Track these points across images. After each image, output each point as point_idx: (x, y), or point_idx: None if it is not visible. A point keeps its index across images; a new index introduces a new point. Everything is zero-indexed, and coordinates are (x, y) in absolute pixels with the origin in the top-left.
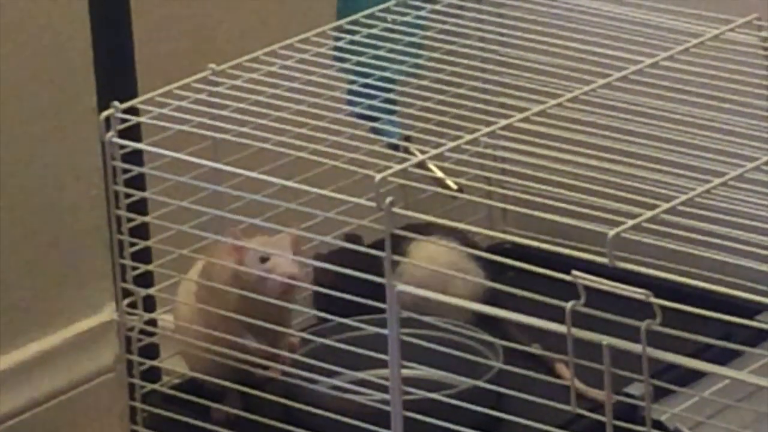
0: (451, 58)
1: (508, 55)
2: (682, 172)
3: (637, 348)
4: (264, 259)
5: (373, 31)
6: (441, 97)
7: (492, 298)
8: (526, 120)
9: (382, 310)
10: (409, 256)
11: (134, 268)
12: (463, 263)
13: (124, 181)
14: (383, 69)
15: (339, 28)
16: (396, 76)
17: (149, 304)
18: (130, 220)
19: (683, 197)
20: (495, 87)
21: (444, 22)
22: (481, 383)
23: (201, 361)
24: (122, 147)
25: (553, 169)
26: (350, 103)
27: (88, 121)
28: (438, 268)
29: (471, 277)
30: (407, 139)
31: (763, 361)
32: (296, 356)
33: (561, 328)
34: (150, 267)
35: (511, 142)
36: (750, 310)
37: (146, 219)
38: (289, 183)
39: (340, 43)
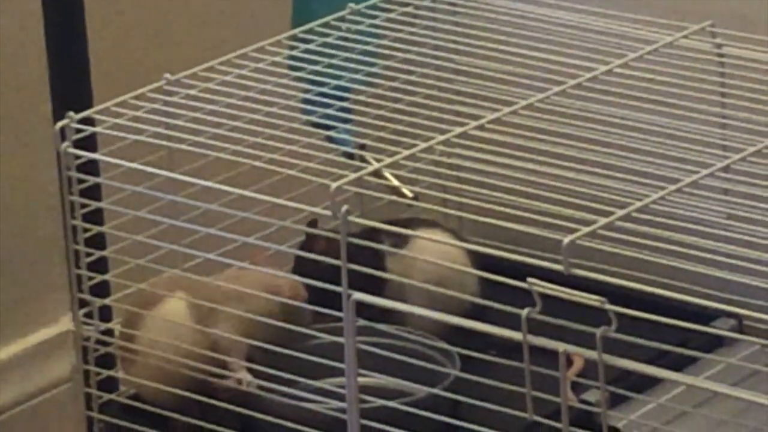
0: (406, 67)
1: (462, 63)
2: (636, 178)
3: (592, 354)
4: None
5: (328, 39)
6: (396, 106)
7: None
8: (480, 128)
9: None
10: (413, 248)
11: (90, 278)
12: (462, 259)
13: (79, 191)
14: (338, 78)
15: (294, 37)
16: (351, 85)
17: (106, 314)
18: (86, 230)
19: (638, 204)
20: (450, 95)
21: (399, 31)
22: (438, 391)
23: (161, 372)
24: (77, 157)
25: (508, 177)
26: (305, 111)
27: (43, 132)
28: (443, 262)
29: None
30: (362, 147)
31: (718, 367)
32: (254, 365)
33: (517, 335)
34: (106, 277)
35: (466, 150)
36: (705, 316)
37: (102, 229)
38: (245, 192)
39: (294, 52)
